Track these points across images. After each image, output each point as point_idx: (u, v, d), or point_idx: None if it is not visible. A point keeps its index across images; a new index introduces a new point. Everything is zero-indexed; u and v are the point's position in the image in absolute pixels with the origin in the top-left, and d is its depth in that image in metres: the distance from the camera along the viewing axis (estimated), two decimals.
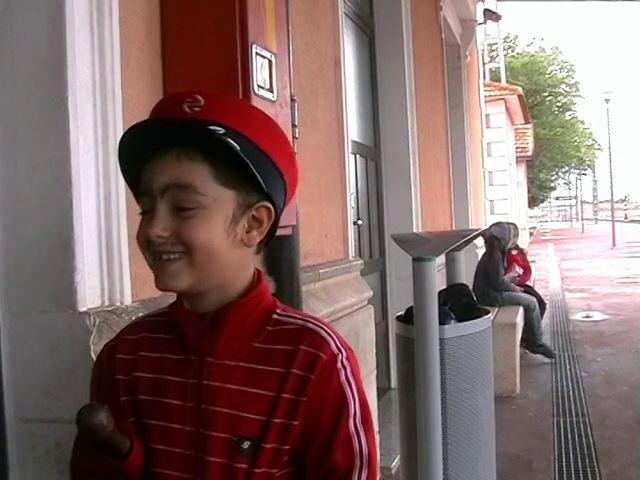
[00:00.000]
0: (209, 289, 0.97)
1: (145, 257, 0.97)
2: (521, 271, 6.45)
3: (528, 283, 6.76)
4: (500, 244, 6.02)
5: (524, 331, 5.91)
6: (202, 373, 0.97)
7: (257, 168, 0.93)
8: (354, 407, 0.96)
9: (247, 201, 0.96)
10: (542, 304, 6.24)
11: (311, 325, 0.99)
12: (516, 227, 6.66)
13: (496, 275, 5.83)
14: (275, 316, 1.00)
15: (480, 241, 6.63)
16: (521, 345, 5.92)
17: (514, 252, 6.43)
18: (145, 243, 0.94)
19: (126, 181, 1.03)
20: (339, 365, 0.96)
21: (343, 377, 0.96)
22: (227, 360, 0.97)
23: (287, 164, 1.00)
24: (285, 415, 0.94)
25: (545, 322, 6.43)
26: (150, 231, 0.92)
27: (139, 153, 0.96)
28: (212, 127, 0.92)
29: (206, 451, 0.95)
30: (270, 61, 1.78)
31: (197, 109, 0.93)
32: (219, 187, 0.94)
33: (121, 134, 1.51)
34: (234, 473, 0.94)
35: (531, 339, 5.94)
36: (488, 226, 6.43)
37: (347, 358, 0.97)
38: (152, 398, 0.99)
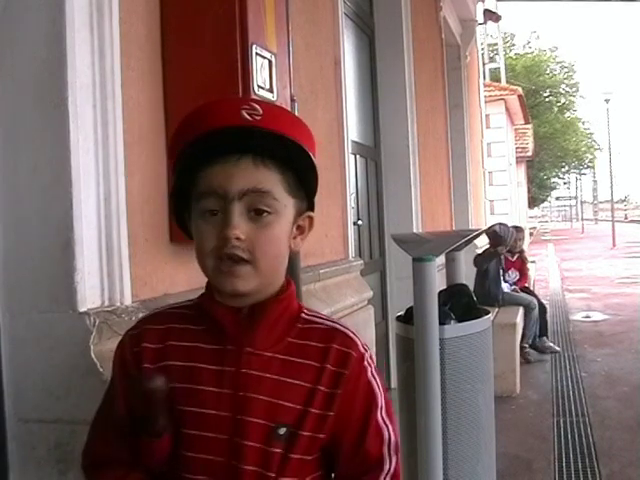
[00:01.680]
0: (263, 290, 1.03)
1: (207, 263, 0.99)
2: (515, 275, 6.43)
3: (527, 285, 6.76)
4: (500, 242, 6.03)
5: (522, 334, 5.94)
6: (240, 362, 1.01)
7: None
8: (381, 400, 1.05)
9: (300, 210, 1.04)
10: (542, 307, 6.25)
11: (339, 327, 1.07)
12: (521, 231, 6.66)
13: (496, 285, 5.85)
14: (304, 315, 1.07)
15: (480, 241, 6.63)
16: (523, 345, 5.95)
17: (514, 257, 6.44)
18: (218, 244, 0.97)
19: (180, 183, 1.03)
20: (365, 363, 1.04)
21: (370, 374, 1.05)
22: (265, 351, 1.02)
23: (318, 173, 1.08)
24: (322, 406, 1.01)
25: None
26: (230, 232, 0.95)
27: (200, 155, 0.98)
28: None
29: (243, 436, 0.99)
30: (270, 61, 1.78)
31: (257, 117, 0.98)
32: (286, 195, 1.00)
33: (121, 134, 1.54)
34: (270, 457, 0.99)
35: (527, 336, 5.97)
36: (493, 224, 6.44)
37: (370, 357, 1.06)
38: (186, 385, 1.02)
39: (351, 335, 1.06)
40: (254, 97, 1.67)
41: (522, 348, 5.82)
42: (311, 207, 1.06)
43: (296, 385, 1.01)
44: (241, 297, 1.01)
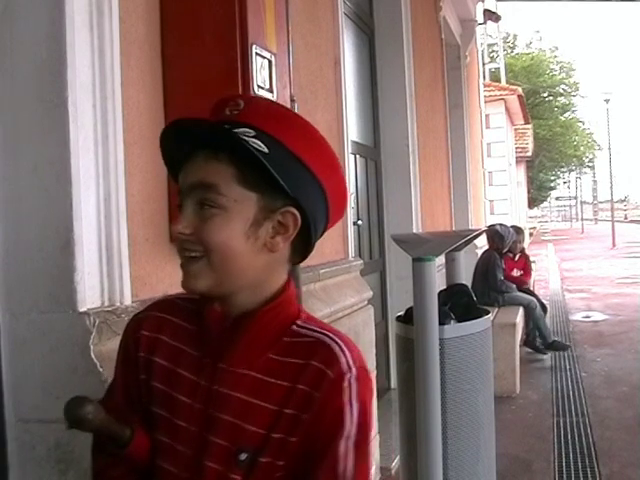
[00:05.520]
0: (234, 292, 0.98)
1: (179, 256, 0.99)
2: (519, 273, 6.45)
3: (527, 286, 6.76)
4: (500, 243, 6.04)
5: (527, 332, 5.96)
6: (214, 378, 0.97)
7: (284, 172, 0.93)
8: (349, 428, 0.93)
9: (271, 205, 0.96)
10: (542, 307, 6.25)
11: (326, 339, 0.97)
12: (521, 232, 6.68)
13: (494, 275, 5.86)
14: (294, 327, 0.99)
15: (480, 241, 6.63)
16: (525, 345, 5.98)
17: (516, 258, 6.47)
18: (174, 239, 0.98)
19: (172, 176, 1.04)
20: (345, 384, 0.93)
21: (346, 397, 0.93)
22: (239, 368, 0.97)
23: (326, 171, 0.99)
24: (285, 430, 0.93)
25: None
26: (174, 227, 0.95)
27: (180, 151, 0.98)
28: (242, 129, 0.93)
29: (206, 455, 0.95)
30: (270, 61, 1.78)
31: (235, 112, 0.96)
32: (242, 189, 0.95)
33: (121, 134, 1.54)
34: None
35: (541, 338, 6.05)
36: (493, 223, 6.46)
37: (356, 378, 0.94)
38: (165, 388, 1.01)
39: (336, 350, 0.95)
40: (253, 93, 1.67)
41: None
42: (296, 203, 0.96)
43: (263, 407, 0.94)
44: (225, 299, 0.98)
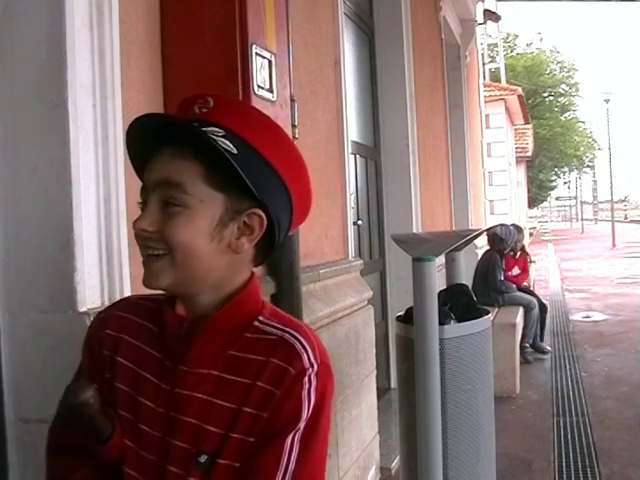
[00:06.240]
0: (196, 292, 0.97)
1: (141, 254, 0.97)
2: (518, 271, 6.47)
3: (526, 284, 6.77)
4: (501, 244, 6.03)
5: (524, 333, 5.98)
6: (175, 381, 0.96)
7: (252, 174, 0.92)
8: (301, 423, 0.92)
9: (237, 206, 0.95)
10: (542, 307, 6.25)
11: (288, 337, 0.95)
12: (521, 230, 6.68)
13: (494, 276, 5.86)
14: (256, 323, 0.98)
15: (480, 241, 6.63)
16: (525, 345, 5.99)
17: (517, 255, 6.48)
18: (135, 236, 0.96)
19: (136, 171, 1.03)
20: (305, 379, 0.93)
21: (305, 392, 0.93)
22: (200, 368, 0.95)
23: (293, 174, 0.98)
24: (244, 431, 0.92)
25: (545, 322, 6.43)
26: (137, 224, 0.94)
27: (146, 147, 0.97)
28: (211, 128, 0.92)
29: (168, 459, 0.94)
30: (270, 61, 1.78)
31: (205, 110, 0.95)
32: (208, 188, 0.93)
33: (121, 134, 1.53)
34: None
35: (532, 337, 6.01)
36: (494, 225, 6.46)
37: (316, 373, 0.94)
38: (129, 391, 0.99)
39: (298, 347, 0.94)
40: (255, 96, 1.67)
41: (522, 348, 5.83)
42: (262, 205, 0.95)
43: (223, 407, 0.93)
44: (188, 299, 0.97)
